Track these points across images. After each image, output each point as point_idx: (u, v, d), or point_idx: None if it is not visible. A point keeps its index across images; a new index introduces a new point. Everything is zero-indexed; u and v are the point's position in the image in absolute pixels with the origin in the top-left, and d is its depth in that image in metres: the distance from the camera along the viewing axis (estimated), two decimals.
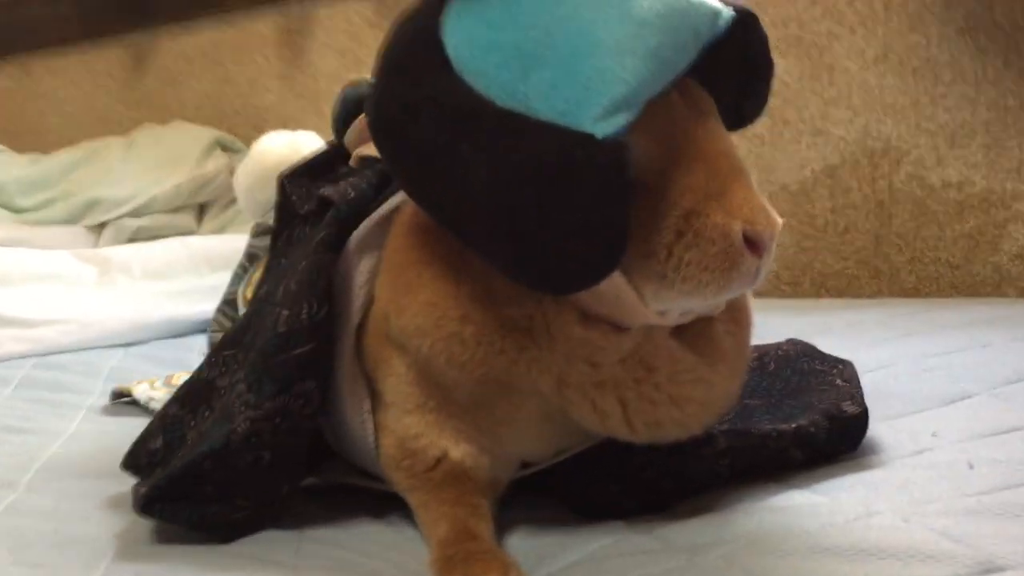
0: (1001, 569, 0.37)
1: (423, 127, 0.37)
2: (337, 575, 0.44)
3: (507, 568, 0.43)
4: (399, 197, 0.48)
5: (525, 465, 0.51)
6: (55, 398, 0.82)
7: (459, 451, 0.47)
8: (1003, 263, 1.16)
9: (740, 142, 0.43)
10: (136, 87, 1.87)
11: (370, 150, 0.50)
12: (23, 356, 0.98)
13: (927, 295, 1.19)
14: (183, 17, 1.73)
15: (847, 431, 0.54)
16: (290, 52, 1.66)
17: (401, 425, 0.48)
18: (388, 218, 0.49)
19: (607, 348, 0.42)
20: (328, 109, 0.59)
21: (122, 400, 0.80)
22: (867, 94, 1.21)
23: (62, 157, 1.66)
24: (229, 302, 0.94)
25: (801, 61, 1.19)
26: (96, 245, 1.50)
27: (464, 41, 0.37)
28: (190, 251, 1.31)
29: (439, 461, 0.47)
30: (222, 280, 1.00)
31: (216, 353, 0.53)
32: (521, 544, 0.48)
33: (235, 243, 1.13)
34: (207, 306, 1.03)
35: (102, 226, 1.55)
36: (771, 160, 1.27)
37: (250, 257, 0.94)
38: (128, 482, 0.55)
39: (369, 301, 0.49)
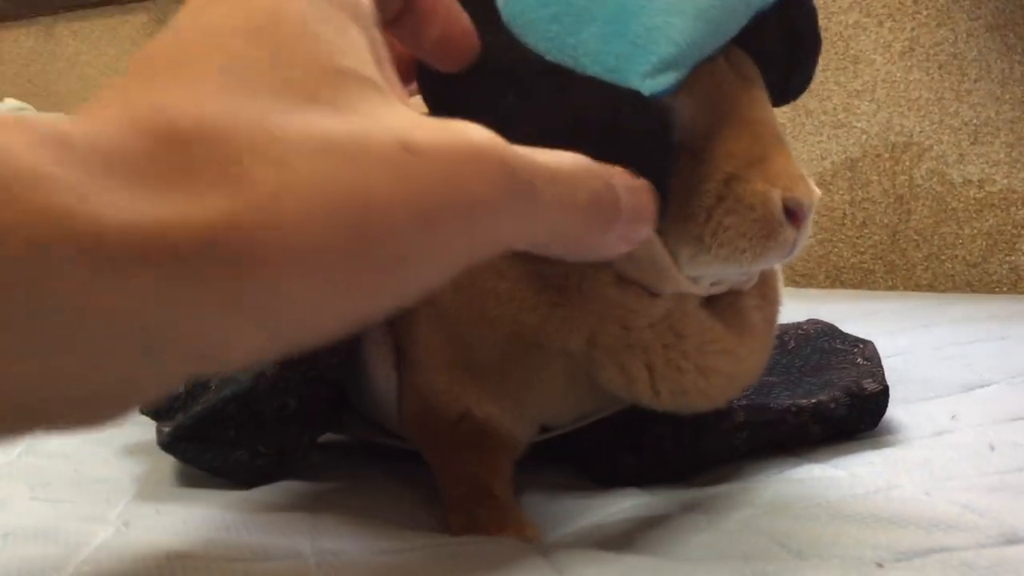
0: None
1: (470, 78, 0.37)
2: (354, 526, 0.44)
3: (523, 526, 0.43)
4: None
5: (544, 430, 0.51)
6: None
7: (481, 410, 0.47)
8: (1020, 263, 1.16)
9: None
10: None
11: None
12: None
13: (943, 292, 1.19)
14: None
15: (867, 408, 0.54)
16: None
17: (424, 381, 0.48)
18: None
19: (639, 311, 0.42)
20: None
21: None
22: (891, 88, 1.21)
23: None
24: None
25: (826, 52, 1.19)
26: None
27: None
28: None
29: (461, 419, 0.47)
30: None
31: None
32: (539, 506, 0.48)
33: None
34: None
35: None
36: (792, 150, 1.27)
37: None
38: (148, 427, 0.55)
39: None
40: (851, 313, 0.89)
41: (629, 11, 0.37)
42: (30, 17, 2.01)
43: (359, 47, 0.25)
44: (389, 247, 0.22)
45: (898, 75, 1.20)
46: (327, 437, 0.55)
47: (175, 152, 0.21)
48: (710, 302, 0.44)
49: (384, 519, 0.45)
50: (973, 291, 1.17)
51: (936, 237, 1.20)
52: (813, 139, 1.26)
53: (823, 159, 1.26)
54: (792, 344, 0.62)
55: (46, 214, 0.18)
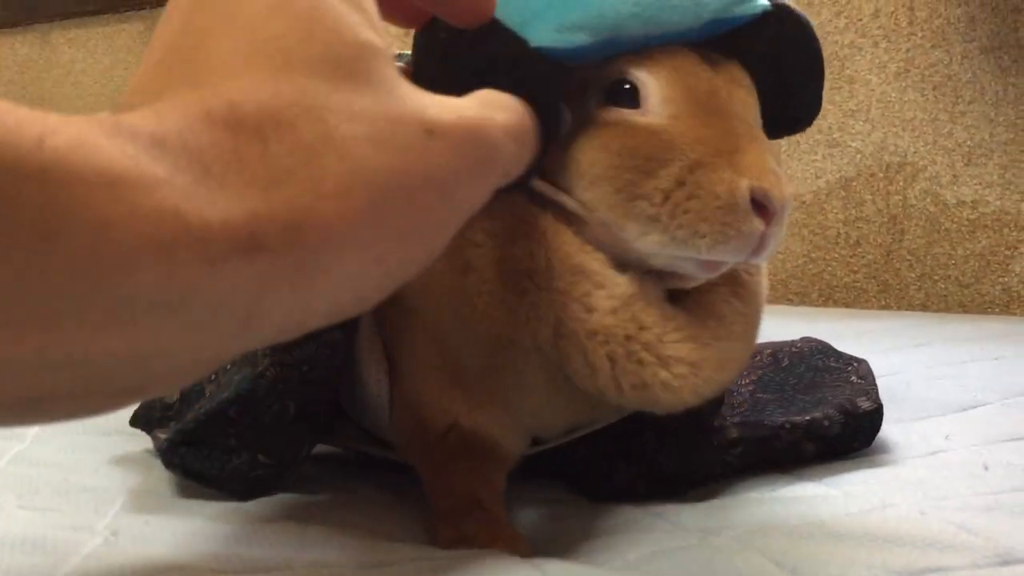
0: (1020, 561, 0.37)
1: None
2: (343, 538, 0.44)
3: (514, 541, 0.43)
4: None
5: (535, 443, 0.51)
6: None
7: (470, 420, 0.47)
8: (1013, 284, 1.16)
9: None
10: None
11: None
12: None
13: (935, 312, 1.19)
14: None
15: (861, 426, 0.54)
16: None
17: (413, 391, 0.48)
18: None
19: (603, 284, 0.41)
20: None
21: None
22: (886, 108, 1.21)
23: None
24: None
25: None
26: None
27: None
28: None
29: (449, 429, 0.47)
30: None
31: None
32: (529, 520, 0.48)
33: None
34: None
35: None
36: (786, 169, 1.28)
37: None
38: (137, 438, 0.55)
39: None
40: (845, 332, 0.89)
41: None
42: (26, 24, 2.01)
43: (370, 15, 0.27)
44: (420, 219, 0.26)
45: (893, 96, 1.21)
46: (318, 448, 0.55)
47: (250, 142, 0.23)
48: (675, 296, 0.43)
49: (374, 531, 0.45)
50: (966, 311, 1.18)
51: (929, 257, 1.20)
52: (808, 158, 1.26)
53: (818, 178, 1.26)
54: (786, 362, 0.62)
55: (161, 214, 0.20)
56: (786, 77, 0.43)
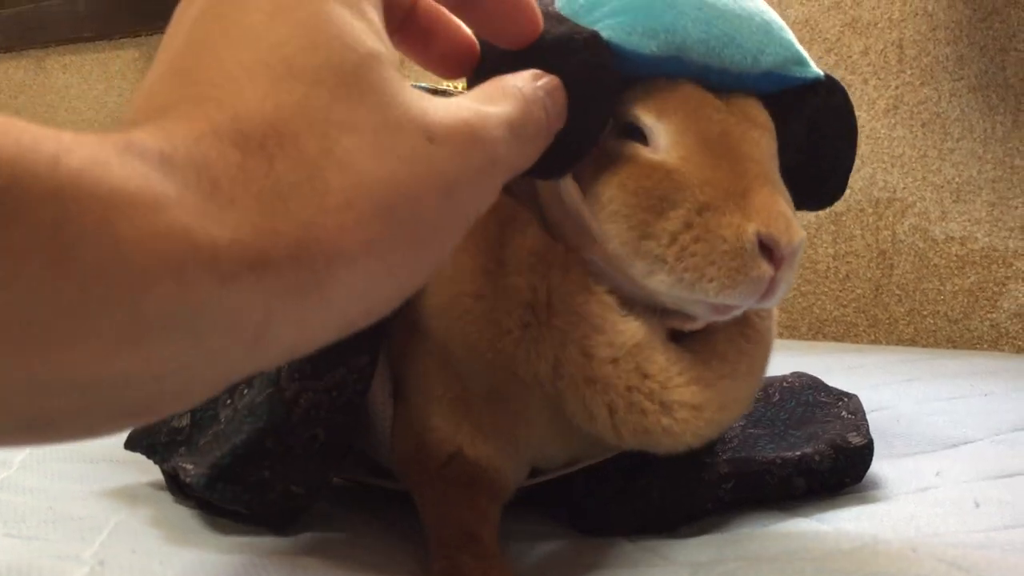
0: None
1: None
2: (336, 569, 0.43)
3: (507, 575, 0.43)
4: None
5: (532, 474, 0.50)
6: None
7: (474, 450, 0.46)
8: (1001, 320, 1.16)
9: None
10: None
11: None
12: None
13: (924, 347, 1.19)
14: None
15: (852, 462, 0.54)
16: None
17: (417, 417, 0.47)
18: None
19: (605, 331, 0.41)
20: None
21: None
22: (875, 144, 1.22)
23: None
24: None
25: None
26: None
27: None
28: None
29: (451, 459, 0.47)
30: None
31: None
32: (523, 554, 0.47)
33: None
34: None
35: None
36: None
37: None
38: (124, 466, 0.54)
39: None
40: (835, 366, 0.90)
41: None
42: (21, 49, 2.01)
43: (372, 22, 0.27)
44: (425, 226, 0.26)
45: (882, 132, 1.22)
46: None
47: (256, 158, 0.23)
48: (682, 338, 0.43)
49: (366, 563, 0.44)
50: (955, 347, 1.18)
51: (918, 293, 1.21)
52: None
53: (807, 212, 1.27)
54: (777, 397, 0.62)
55: (172, 233, 0.20)
56: (821, 150, 0.43)
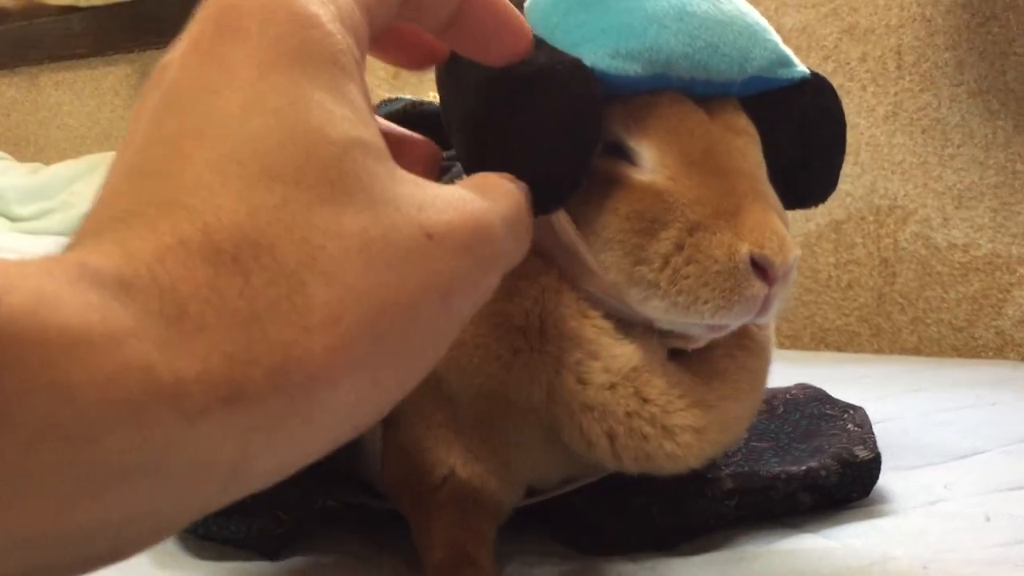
0: None
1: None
2: None
3: None
4: None
5: (529, 494, 0.49)
6: None
7: (467, 471, 0.45)
8: (1006, 327, 1.15)
9: None
10: None
11: None
12: None
13: (928, 355, 1.18)
14: None
15: (859, 476, 0.52)
16: None
17: (409, 439, 0.46)
18: None
19: (600, 356, 0.40)
20: None
21: None
22: (875, 151, 1.21)
23: (63, 169, 1.66)
24: None
25: None
26: None
27: None
28: None
29: (445, 480, 0.46)
30: None
31: None
32: (518, 574, 0.46)
33: None
34: None
35: None
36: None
37: None
38: None
39: None
40: (839, 376, 0.88)
41: (614, 10, 0.37)
42: (13, 67, 2.01)
43: (358, 106, 0.24)
44: (419, 336, 0.24)
45: (882, 139, 1.20)
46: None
47: (229, 275, 0.20)
48: (681, 356, 0.42)
49: None
50: (959, 355, 1.17)
51: (921, 301, 1.19)
52: None
53: (808, 221, 1.26)
54: (781, 409, 0.61)
55: (129, 372, 0.18)
56: (811, 148, 0.43)
